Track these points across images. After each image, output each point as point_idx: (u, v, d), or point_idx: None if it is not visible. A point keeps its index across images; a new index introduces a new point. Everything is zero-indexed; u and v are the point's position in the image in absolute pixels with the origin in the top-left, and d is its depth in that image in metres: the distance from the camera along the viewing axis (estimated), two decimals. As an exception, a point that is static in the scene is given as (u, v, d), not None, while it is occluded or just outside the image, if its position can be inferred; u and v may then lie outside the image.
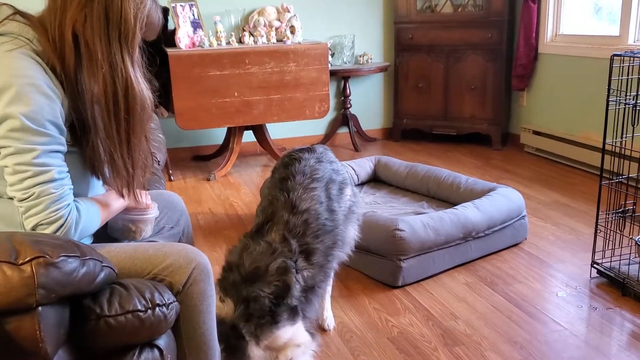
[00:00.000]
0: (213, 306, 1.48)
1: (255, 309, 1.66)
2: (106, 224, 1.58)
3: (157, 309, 1.24)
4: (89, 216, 1.40)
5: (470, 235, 2.73)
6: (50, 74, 1.33)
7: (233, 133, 4.39)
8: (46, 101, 1.28)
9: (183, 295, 1.40)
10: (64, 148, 1.35)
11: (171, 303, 1.30)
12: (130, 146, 1.42)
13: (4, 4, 1.40)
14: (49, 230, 1.31)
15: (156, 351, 1.28)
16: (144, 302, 1.23)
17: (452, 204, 3.07)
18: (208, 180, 4.24)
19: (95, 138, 1.39)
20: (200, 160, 4.81)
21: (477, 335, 2.17)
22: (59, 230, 1.31)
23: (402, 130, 5.27)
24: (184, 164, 4.67)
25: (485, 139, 4.96)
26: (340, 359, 2.06)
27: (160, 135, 2.83)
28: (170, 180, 4.23)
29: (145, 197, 1.61)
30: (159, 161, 2.54)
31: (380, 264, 2.59)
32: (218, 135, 4.85)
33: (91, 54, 1.34)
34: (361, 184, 3.61)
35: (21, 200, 1.30)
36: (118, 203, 1.53)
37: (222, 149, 4.71)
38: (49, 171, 1.30)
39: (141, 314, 1.21)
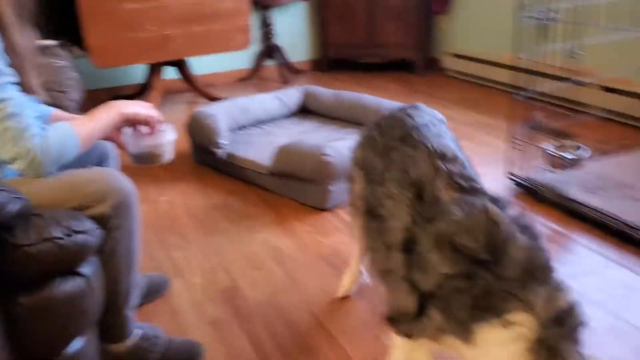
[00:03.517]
0: (138, 226, 1.54)
1: None
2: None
3: (76, 235, 1.24)
4: (61, 140, 1.36)
5: (395, 155, 2.81)
6: None
7: (154, 70, 4.25)
8: None
9: (115, 220, 1.43)
10: (12, 78, 1.31)
11: (91, 230, 1.30)
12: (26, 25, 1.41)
13: None
14: (21, 164, 1.30)
15: (80, 279, 1.28)
16: (61, 229, 1.22)
17: (377, 127, 3.13)
18: (132, 120, 4.13)
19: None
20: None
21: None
22: (30, 162, 1.31)
23: (329, 61, 5.25)
24: (106, 106, 4.51)
25: (410, 66, 5.02)
26: (274, 279, 2.12)
27: (73, 73, 2.72)
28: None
29: (153, 111, 1.63)
30: (75, 100, 2.46)
31: (310, 189, 2.65)
32: (139, 73, 4.70)
33: None
34: (290, 115, 3.62)
35: None
36: (105, 116, 1.51)
37: (144, 88, 4.57)
38: (5, 107, 1.27)
39: (60, 241, 1.20)
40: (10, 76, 1.31)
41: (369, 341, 1.77)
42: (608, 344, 1.71)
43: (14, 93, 1.31)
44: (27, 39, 1.43)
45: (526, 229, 1.19)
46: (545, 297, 1.08)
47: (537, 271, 1.12)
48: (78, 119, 1.50)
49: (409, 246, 1.26)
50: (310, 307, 1.95)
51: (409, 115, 1.54)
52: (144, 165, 1.69)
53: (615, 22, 2.56)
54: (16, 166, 1.32)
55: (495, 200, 1.27)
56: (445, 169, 1.35)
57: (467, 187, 1.31)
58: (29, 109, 1.34)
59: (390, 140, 1.49)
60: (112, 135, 1.62)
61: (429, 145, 1.41)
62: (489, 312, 1.09)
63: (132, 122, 1.60)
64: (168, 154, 1.70)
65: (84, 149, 1.44)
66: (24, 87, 1.41)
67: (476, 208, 1.21)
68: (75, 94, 2.53)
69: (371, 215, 1.43)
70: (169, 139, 1.68)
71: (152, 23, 3.85)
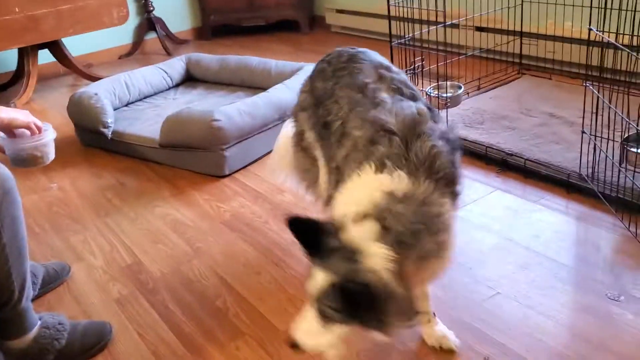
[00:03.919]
0: (21, 213, 1.50)
1: None
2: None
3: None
4: None
5: (285, 114, 2.84)
6: None
7: (26, 55, 3.99)
8: None
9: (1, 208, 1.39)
10: None
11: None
12: None
13: None
14: None
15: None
16: None
17: (266, 89, 3.14)
18: (9, 110, 3.88)
19: None
20: (-5, 91, 4.36)
21: (304, 203, 2.32)
22: None
23: (212, 28, 5.15)
24: (-23, 98, 4.21)
25: (294, 25, 5.02)
26: (176, 250, 2.11)
27: None
28: (-37, 117, 3.81)
29: (32, 117, 1.59)
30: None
31: (204, 157, 2.63)
32: (10, 60, 4.39)
33: None
34: (176, 86, 3.54)
35: None
36: None
37: (19, 75, 4.29)
38: None
39: None
40: None
41: (279, 299, 1.81)
42: (496, 261, 1.85)
43: None
44: None
45: (449, 141, 1.34)
46: (426, 187, 1.23)
47: (437, 171, 1.26)
48: None
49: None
50: (217, 272, 1.96)
51: (355, 49, 1.69)
52: (25, 168, 1.64)
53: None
54: None
55: (429, 108, 1.43)
56: (388, 75, 1.52)
57: (407, 93, 1.48)
58: None
59: (338, 64, 1.63)
60: None
61: (374, 60, 1.60)
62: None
63: (9, 128, 1.56)
64: (50, 155, 1.66)
65: None
66: None
67: (410, 107, 1.38)
68: None
69: (323, 129, 1.58)
70: (49, 139, 1.64)
71: (14, 4, 3.59)
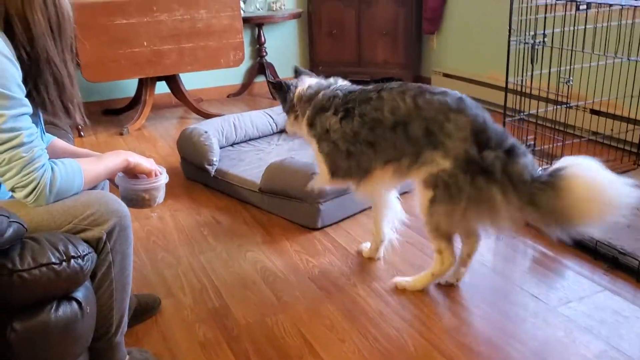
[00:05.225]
0: (132, 250, 1.55)
1: None
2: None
3: (72, 261, 1.23)
4: (67, 176, 1.39)
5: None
6: (1, 33, 1.31)
7: (145, 85, 4.25)
8: (7, 62, 1.27)
9: (110, 243, 1.44)
10: (30, 109, 1.34)
11: (86, 255, 1.29)
12: (67, 60, 1.46)
13: None
14: (23, 193, 1.32)
15: (74, 304, 1.27)
16: (57, 254, 1.21)
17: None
18: (121, 134, 4.12)
19: (47, 73, 1.40)
20: (111, 114, 4.64)
21: (393, 270, 2.28)
22: (32, 192, 1.33)
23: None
24: (95, 119, 4.49)
25: (399, 84, 5.04)
26: (263, 300, 2.11)
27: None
28: (80, 136, 4.07)
29: (154, 165, 1.67)
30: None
31: (300, 207, 2.65)
32: (130, 87, 4.68)
33: None
34: (279, 132, 3.62)
35: None
36: (112, 160, 1.56)
37: (135, 102, 4.56)
38: (18, 136, 1.30)
39: (56, 266, 1.19)
40: (27, 107, 1.33)
41: (360, 365, 1.76)
42: (598, 370, 1.71)
43: (29, 124, 1.33)
44: (68, 65, 1.48)
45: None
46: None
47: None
48: (87, 160, 1.52)
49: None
50: (301, 331, 1.94)
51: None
52: (132, 208, 1.68)
53: (602, 47, 2.61)
54: (17, 194, 1.33)
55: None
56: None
57: None
58: (40, 140, 1.37)
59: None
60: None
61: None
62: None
63: (133, 172, 1.64)
64: (159, 199, 1.71)
65: (86, 188, 1.47)
66: (49, 110, 1.45)
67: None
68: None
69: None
70: (161, 183, 1.69)
71: (144, 38, 3.85)
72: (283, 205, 2.72)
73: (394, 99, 1.95)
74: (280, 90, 2.28)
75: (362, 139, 2.01)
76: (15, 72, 1.30)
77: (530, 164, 1.85)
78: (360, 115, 2.01)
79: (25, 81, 1.35)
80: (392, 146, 1.96)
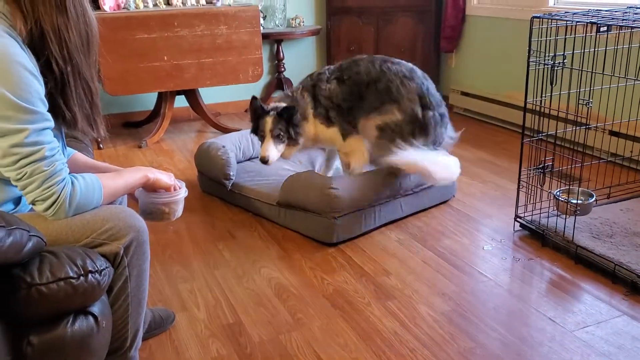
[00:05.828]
0: (149, 265, 1.56)
1: None
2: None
3: (89, 275, 1.24)
4: (87, 191, 1.41)
5: (399, 192, 2.82)
6: (24, 48, 1.33)
7: (164, 98, 4.29)
8: (31, 78, 1.29)
9: (127, 258, 1.45)
10: (52, 123, 1.36)
11: (104, 269, 1.30)
12: (94, 75, 1.49)
13: None
14: (43, 206, 1.35)
15: (91, 318, 1.28)
16: (75, 269, 1.23)
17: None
18: (140, 147, 4.16)
19: (80, 87, 1.44)
20: (130, 127, 4.69)
21: (408, 289, 2.27)
22: (52, 206, 1.35)
23: (336, 93, 5.29)
24: (114, 131, 4.54)
25: (416, 101, 5.04)
26: (277, 317, 2.11)
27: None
28: (99, 148, 4.12)
29: (174, 180, 1.69)
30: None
31: (316, 221, 2.65)
32: (149, 100, 4.74)
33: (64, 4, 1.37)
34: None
35: (16, 180, 1.33)
36: (131, 176, 1.58)
37: (154, 115, 4.61)
38: (40, 149, 1.32)
39: (73, 281, 1.20)
40: (50, 121, 1.36)
41: (374, 386, 1.74)
42: (616, 398, 1.68)
43: (51, 138, 1.36)
44: (95, 80, 1.51)
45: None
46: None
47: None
48: (107, 175, 1.54)
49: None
50: (315, 349, 1.93)
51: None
52: (151, 221, 1.70)
53: (623, 69, 2.59)
54: (37, 207, 1.35)
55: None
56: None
57: None
58: (61, 154, 1.39)
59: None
60: None
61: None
62: None
63: (152, 187, 1.66)
64: (177, 213, 1.73)
65: (105, 203, 1.49)
66: (78, 125, 1.47)
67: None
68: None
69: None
70: (180, 197, 1.71)
71: (165, 53, 3.90)
72: (299, 219, 2.72)
73: (366, 65, 2.79)
74: (287, 112, 2.77)
75: (354, 95, 2.75)
76: (39, 88, 1.32)
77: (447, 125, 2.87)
78: (348, 77, 2.79)
79: (52, 97, 1.37)
80: (370, 99, 2.73)
